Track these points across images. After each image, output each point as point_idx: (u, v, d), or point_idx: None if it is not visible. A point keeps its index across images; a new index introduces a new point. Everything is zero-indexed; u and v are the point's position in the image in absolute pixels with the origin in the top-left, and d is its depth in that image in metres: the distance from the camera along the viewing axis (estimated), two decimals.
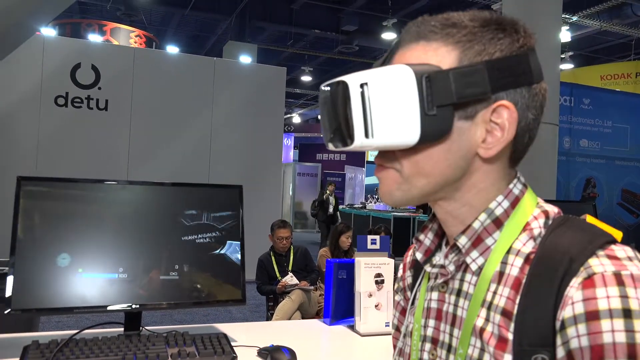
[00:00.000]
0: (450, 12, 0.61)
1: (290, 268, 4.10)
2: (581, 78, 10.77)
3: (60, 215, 1.37)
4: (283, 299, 3.88)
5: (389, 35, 11.95)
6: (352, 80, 0.55)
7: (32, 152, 6.01)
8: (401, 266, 0.81)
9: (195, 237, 1.50)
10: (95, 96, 6.30)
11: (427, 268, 0.67)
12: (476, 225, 0.60)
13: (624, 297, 0.48)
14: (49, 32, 9.15)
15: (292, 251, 4.18)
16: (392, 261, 1.67)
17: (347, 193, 16.41)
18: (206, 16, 12.17)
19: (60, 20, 10.94)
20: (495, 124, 0.57)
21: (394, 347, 0.80)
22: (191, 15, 11.94)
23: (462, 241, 0.61)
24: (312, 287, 4.04)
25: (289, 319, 3.79)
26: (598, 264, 0.51)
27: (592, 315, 0.49)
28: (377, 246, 1.68)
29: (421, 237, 0.69)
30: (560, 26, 5.65)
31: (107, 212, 1.42)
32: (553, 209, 0.61)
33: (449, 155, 0.58)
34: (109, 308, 1.36)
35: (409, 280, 0.77)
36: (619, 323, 0.48)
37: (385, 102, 0.54)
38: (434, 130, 0.55)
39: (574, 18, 10.25)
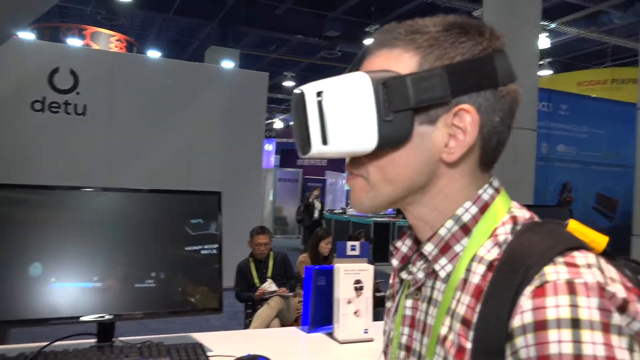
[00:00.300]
0: (417, 19, 0.61)
1: (269, 274, 4.08)
2: (559, 84, 10.96)
3: (33, 223, 1.34)
4: (261, 306, 3.85)
5: (372, 41, 12.01)
6: (309, 89, 0.56)
7: (7, 158, 5.89)
8: (392, 273, 0.81)
9: (173, 244, 1.48)
10: (73, 101, 6.21)
11: (403, 275, 0.67)
12: (442, 232, 0.60)
13: (574, 306, 0.46)
14: (27, 35, 9.02)
15: (271, 257, 4.16)
16: (371, 267, 1.67)
17: (327, 198, 16.40)
18: (188, 21, 12.10)
19: (39, 24, 10.78)
20: (457, 127, 0.57)
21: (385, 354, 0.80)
22: (173, 19, 11.86)
23: (428, 248, 0.61)
24: (290, 294, 4.02)
25: (267, 326, 3.77)
26: (553, 271, 0.49)
27: (540, 325, 0.47)
28: (357, 252, 1.68)
29: (398, 244, 0.69)
30: (539, 33, 5.74)
31: (82, 219, 1.39)
32: (524, 215, 0.59)
33: (412, 160, 0.58)
34: (81, 319, 1.33)
35: (397, 287, 0.76)
36: (567, 333, 0.46)
37: (342, 109, 0.55)
38: (393, 136, 0.55)
39: (553, 25, 10.42)
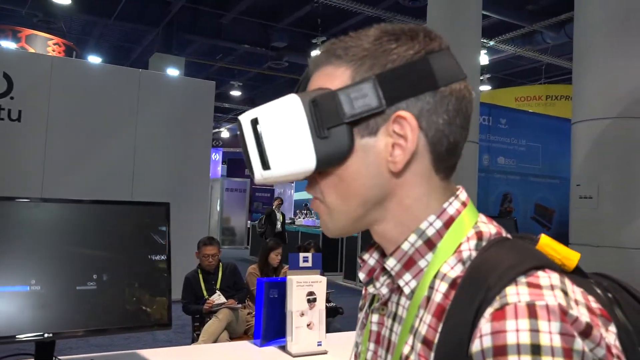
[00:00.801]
0: (352, 32, 0.60)
1: (218, 286, 3.99)
2: (498, 99, 11.44)
3: None
4: (210, 319, 3.75)
5: (318, 53, 12.10)
6: (244, 117, 0.57)
7: None
8: None
9: (118, 257, 1.41)
10: (7, 106, 5.88)
11: (370, 289, 0.65)
12: (405, 246, 0.58)
13: (534, 331, 0.44)
14: None
15: (220, 269, 4.07)
16: (324, 279, 1.65)
17: None
18: (131, 26, 11.78)
19: None
20: (399, 135, 0.55)
21: None
22: (115, 25, 11.52)
23: (390, 263, 0.58)
24: (239, 305, 3.94)
25: (216, 339, 3.68)
26: (514, 292, 0.46)
27: (499, 351, 0.44)
28: (310, 264, 1.66)
29: (365, 256, 0.66)
30: (479, 50, 5.97)
31: (17, 232, 1.30)
32: (490, 229, 0.57)
33: (360, 174, 0.56)
34: (18, 337, 1.24)
35: (369, 298, 0.73)
36: None
37: (277, 133, 0.55)
38: (332, 152, 0.55)
39: (491, 43, 10.89)
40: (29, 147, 5.98)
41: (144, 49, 13.33)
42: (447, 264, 0.55)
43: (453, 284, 0.53)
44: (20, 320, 1.25)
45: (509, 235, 0.58)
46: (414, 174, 0.57)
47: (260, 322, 1.67)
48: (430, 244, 0.57)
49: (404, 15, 9.96)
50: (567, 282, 0.49)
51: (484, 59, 11.22)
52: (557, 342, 0.43)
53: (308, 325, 1.61)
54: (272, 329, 1.67)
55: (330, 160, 0.55)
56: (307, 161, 0.55)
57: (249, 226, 14.08)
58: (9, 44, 10.05)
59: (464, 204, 0.59)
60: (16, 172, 5.84)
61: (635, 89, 4.57)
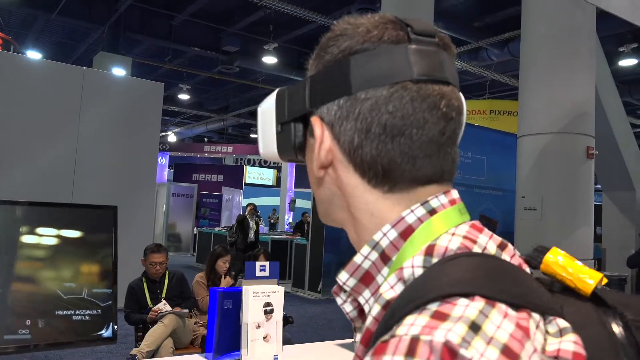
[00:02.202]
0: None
1: (164, 295, 3.83)
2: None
3: None
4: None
5: (270, 59, 12.05)
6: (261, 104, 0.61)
7: None
8: None
9: (57, 264, 1.29)
10: None
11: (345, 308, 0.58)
12: (357, 259, 0.52)
13: None
14: None
15: (167, 277, 3.91)
16: (282, 289, 1.59)
17: (224, 215, 16.05)
18: (75, 23, 11.31)
19: None
20: (318, 139, 0.54)
21: None
22: (57, 20, 11.02)
23: (342, 277, 0.53)
24: (186, 311, 3.80)
25: (160, 345, 3.52)
26: (409, 323, 0.39)
27: None
28: (267, 273, 1.59)
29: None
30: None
31: None
32: (451, 244, 0.47)
33: (310, 172, 0.58)
34: None
35: None
36: None
37: (262, 119, 0.61)
38: (284, 146, 0.58)
39: None
40: None
41: (88, 47, 12.83)
42: (387, 283, 0.47)
43: (386, 305, 0.46)
44: None
45: (490, 252, 0.48)
46: (348, 183, 0.53)
47: (213, 334, 1.59)
48: (385, 258, 0.50)
49: None
50: (496, 315, 0.39)
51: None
52: None
53: (264, 337, 1.53)
54: (226, 341, 1.59)
55: (285, 153, 0.58)
56: (272, 148, 0.60)
57: (195, 232, 13.74)
58: None
59: (432, 212, 0.50)
60: None
61: (577, 105, 4.79)
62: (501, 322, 0.39)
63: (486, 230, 0.51)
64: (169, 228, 14.61)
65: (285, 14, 9.91)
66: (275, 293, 1.57)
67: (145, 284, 3.82)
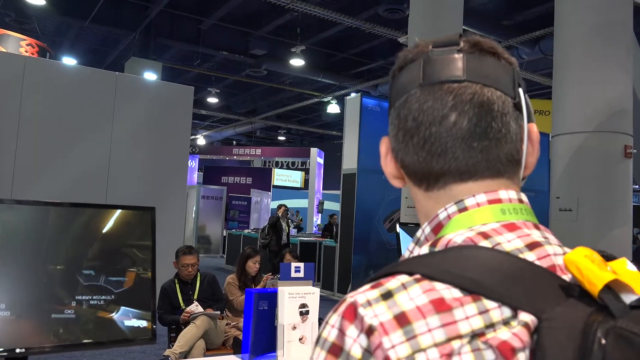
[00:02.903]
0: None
1: (196, 297, 3.87)
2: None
3: None
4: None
5: (297, 62, 12.09)
6: None
7: None
8: None
9: (97, 265, 1.31)
10: None
11: None
12: (405, 254, 0.57)
13: (326, 322, 0.48)
14: None
15: (198, 279, 3.94)
16: (317, 290, 1.58)
17: (252, 217, 16.17)
18: (107, 30, 11.56)
19: None
20: None
21: None
22: (90, 27, 11.29)
23: None
24: (218, 312, 3.83)
25: (192, 347, 3.56)
26: (359, 290, 0.48)
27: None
28: (302, 274, 1.59)
29: None
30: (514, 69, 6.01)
31: None
32: (454, 238, 0.51)
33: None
34: None
35: None
36: (314, 350, 0.48)
37: None
38: None
39: None
40: None
41: (119, 53, 13.11)
42: None
43: None
44: None
45: (505, 248, 0.49)
46: (411, 188, 0.60)
47: (249, 336, 1.59)
48: None
49: (384, 26, 10.02)
50: (415, 290, 0.46)
51: (511, 80, 11.35)
52: (331, 335, 0.46)
53: (300, 339, 1.53)
54: (262, 342, 1.59)
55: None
56: None
57: (225, 234, 13.86)
58: None
59: (462, 210, 0.54)
60: None
61: (613, 102, 4.65)
62: (417, 295, 0.45)
63: (524, 230, 0.52)
64: (199, 230, 14.79)
65: (312, 17, 9.93)
66: (311, 294, 1.57)
67: (177, 286, 3.86)
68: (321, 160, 17.95)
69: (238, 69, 13.83)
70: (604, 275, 0.44)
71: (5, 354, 1.14)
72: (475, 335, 0.43)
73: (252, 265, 4.36)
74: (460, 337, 0.43)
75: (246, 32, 12.05)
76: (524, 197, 0.57)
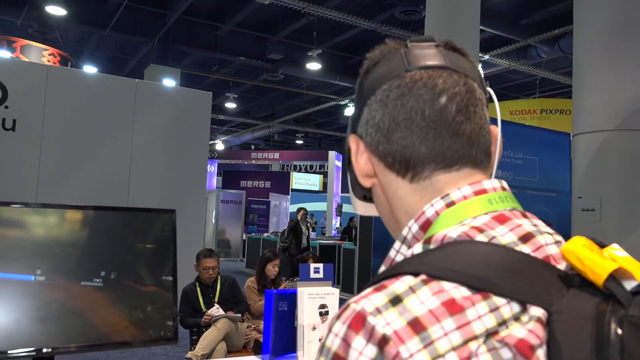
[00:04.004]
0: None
1: (216, 299, 3.90)
2: (492, 113, 11.46)
3: None
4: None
5: (314, 66, 12.13)
6: None
7: None
8: None
9: (120, 266, 1.34)
10: (1, 115, 5.79)
11: None
12: (391, 253, 0.56)
13: (329, 332, 0.45)
14: None
15: (219, 282, 3.98)
16: (336, 291, 1.59)
17: (271, 220, 16.23)
18: (127, 38, 11.75)
19: None
20: None
21: None
22: (110, 36, 11.48)
23: (380, 270, 0.55)
24: (239, 315, 3.85)
25: (214, 349, 3.59)
26: (362, 294, 0.46)
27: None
28: (321, 275, 1.60)
29: None
30: (477, 62, 5.97)
31: (12, 242, 1.23)
32: (448, 234, 0.49)
33: (376, 201, 0.65)
34: (13, 352, 1.16)
35: None
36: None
37: None
38: (352, 180, 0.66)
39: (486, 57, 10.94)
40: (23, 157, 5.89)
41: (139, 60, 13.31)
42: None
43: None
44: (18, 333, 1.17)
45: (500, 241, 0.48)
46: (385, 181, 0.58)
47: (270, 336, 1.60)
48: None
49: (401, 28, 9.99)
50: (427, 292, 0.43)
51: (480, 75, 11.27)
52: (334, 345, 0.44)
53: (320, 339, 1.53)
54: (282, 343, 1.60)
55: (354, 186, 0.66)
56: (351, 190, 0.68)
57: (244, 238, 13.94)
58: (4, 54, 9.98)
59: (450, 204, 0.53)
60: (10, 181, 5.75)
61: (635, 100, 4.57)
62: (428, 298, 0.43)
63: (514, 221, 0.51)
64: (219, 234, 14.90)
65: (328, 20, 9.95)
66: (330, 295, 1.57)
67: (198, 289, 3.90)
68: (339, 163, 17.95)
69: (255, 73, 13.92)
70: (606, 264, 0.43)
71: (34, 353, 1.17)
72: (489, 334, 0.42)
73: (272, 269, 4.38)
74: (475, 337, 0.41)
75: (263, 37, 12.13)
76: (505, 184, 0.56)
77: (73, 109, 6.21)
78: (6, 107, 5.85)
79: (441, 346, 0.41)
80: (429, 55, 0.57)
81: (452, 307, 0.42)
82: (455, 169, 0.55)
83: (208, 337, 3.61)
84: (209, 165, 16.86)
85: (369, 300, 0.44)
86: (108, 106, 6.44)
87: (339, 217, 17.47)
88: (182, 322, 3.79)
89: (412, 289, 0.44)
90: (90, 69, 12.65)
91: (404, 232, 0.55)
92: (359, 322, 0.43)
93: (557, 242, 0.50)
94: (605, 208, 4.48)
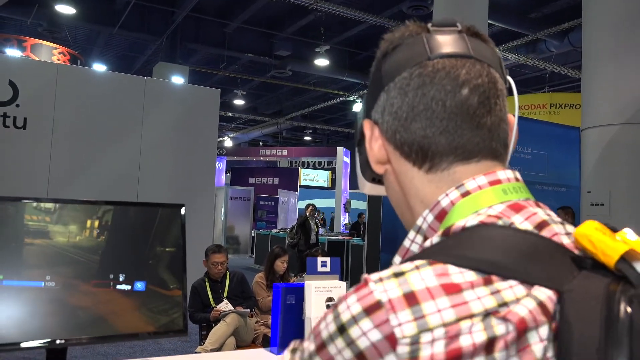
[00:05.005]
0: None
1: (225, 295, 3.93)
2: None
3: None
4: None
5: (322, 62, 12.12)
6: None
7: None
8: None
9: (132, 259, 1.36)
10: (12, 114, 5.85)
11: None
12: (406, 242, 0.56)
13: (344, 300, 0.47)
14: None
15: (227, 277, 4.01)
16: (343, 284, 1.60)
17: (280, 217, 16.28)
18: (135, 36, 11.82)
19: None
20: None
21: None
22: (119, 34, 11.55)
23: (396, 260, 0.56)
24: (247, 310, 3.88)
25: (223, 344, 3.62)
26: (366, 276, 0.48)
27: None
28: (328, 269, 1.61)
29: None
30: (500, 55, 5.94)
31: (31, 233, 1.25)
32: (466, 224, 0.50)
33: (387, 191, 0.65)
34: (28, 344, 1.18)
35: None
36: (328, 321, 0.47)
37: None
38: (362, 165, 0.67)
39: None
40: (34, 155, 5.95)
41: (147, 58, 13.38)
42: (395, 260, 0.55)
43: None
44: (32, 326, 1.19)
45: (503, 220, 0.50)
46: (400, 170, 0.58)
47: (277, 329, 1.62)
48: (427, 240, 0.54)
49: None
50: (429, 272, 0.45)
51: (502, 65, 11.21)
52: (344, 316, 0.45)
53: None
54: (290, 336, 1.62)
55: (364, 170, 0.66)
56: (359, 173, 0.68)
57: (253, 234, 14.00)
58: (15, 53, 10.08)
59: (465, 194, 0.53)
60: (21, 179, 5.81)
61: None
62: (429, 277, 0.44)
63: (529, 209, 0.52)
64: (228, 231, 14.96)
65: (335, 16, 9.95)
66: (337, 288, 1.59)
67: (207, 284, 3.93)
68: (347, 160, 17.95)
69: (263, 70, 13.95)
70: (618, 246, 0.44)
71: (46, 344, 1.20)
72: (489, 313, 0.42)
73: (280, 265, 4.40)
74: (471, 316, 0.42)
75: (270, 33, 12.15)
76: (518, 175, 0.57)
77: (83, 107, 6.26)
78: (17, 105, 5.91)
79: (431, 321, 0.42)
80: (452, 43, 0.56)
81: (450, 288, 0.43)
82: (474, 161, 0.55)
83: (217, 332, 3.64)
84: (217, 162, 16.94)
85: (378, 273, 0.46)
86: (117, 104, 6.49)
87: (347, 213, 17.47)
88: (191, 317, 3.83)
89: (417, 267, 0.45)
90: (99, 67, 12.74)
91: (419, 222, 0.55)
92: (361, 286, 0.46)
93: (567, 234, 0.51)
94: (615, 202, 4.46)
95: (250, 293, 4.15)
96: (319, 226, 9.90)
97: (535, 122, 8.86)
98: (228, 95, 16.22)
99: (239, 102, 16.78)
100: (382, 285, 0.45)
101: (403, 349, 0.42)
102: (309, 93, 16.46)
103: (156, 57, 12.54)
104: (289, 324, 1.62)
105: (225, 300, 3.84)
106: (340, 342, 0.45)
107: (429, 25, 0.58)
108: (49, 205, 1.32)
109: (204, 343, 3.69)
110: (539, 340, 0.42)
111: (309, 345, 0.49)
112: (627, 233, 0.47)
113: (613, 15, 4.67)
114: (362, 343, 0.43)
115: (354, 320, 0.44)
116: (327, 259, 1.63)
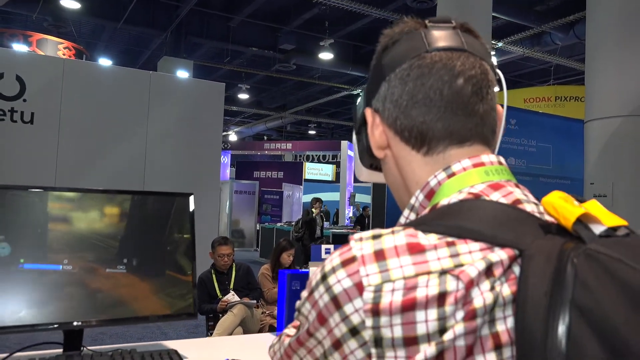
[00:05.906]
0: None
1: (232, 286, 3.99)
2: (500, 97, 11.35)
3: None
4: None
5: (326, 55, 12.13)
6: None
7: None
8: None
9: (142, 252, 1.41)
10: (19, 108, 5.91)
11: None
12: (401, 220, 0.62)
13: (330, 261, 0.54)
14: None
15: (234, 269, 4.07)
16: None
17: (285, 210, 16.33)
18: (140, 30, 11.85)
19: None
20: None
21: None
22: (124, 28, 11.59)
23: None
24: (254, 301, 3.94)
25: (230, 334, 3.68)
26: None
27: None
28: None
29: None
30: (491, 50, 5.95)
31: (45, 221, 1.30)
32: (450, 200, 0.56)
33: (385, 175, 0.71)
34: (46, 326, 1.24)
35: None
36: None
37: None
38: (361, 152, 0.72)
39: (500, 44, 10.86)
40: (41, 149, 6.01)
41: (152, 52, 13.41)
42: None
43: None
44: (49, 308, 1.24)
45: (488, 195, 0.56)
46: (399, 154, 0.63)
47: (283, 315, 1.67)
48: None
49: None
50: (402, 235, 0.52)
51: (492, 60, 11.19)
52: (326, 267, 0.53)
53: None
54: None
55: (363, 156, 0.71)
56: (357, 159, 0.74)
57: (258, 228, 14.06)
58: (21, 48, 10.14)
59: (451, 175, 0.59)
60: (29, 173, 5.88)
61: None
62: (399, 238, 0.51)
63: (507, 189, 0.57)
64: (233, 224, 15.03)
65: (340, 10, 9.94)
66: None
67: (214, 276, 3.99)
68: (352, 153, 17.93)
69: (267, 64, 13.96)
70: (575, 210, 0.50)
71: (56, 326, 1.25)
72: (445, 271, 0.48)
73: (286, 258, 4.46)
74: (429, 273, 0.48)
75: (274, 27, 12.15)
76: (502, 159, 0.62)
77: (89, 102, 6.31)
78: (24, 100, 5.97)
79: (394, 274, 0.49)
80: (447, 37, 0.61)
81: (414, 248, 0.50)
82: (467, 145, 0.60)
83: (225, 323, 3.70)
84: (222, 156, 16.98)
85: (360, 234, 0.54)
86: (123, 98, 6.54)
87: (352, 207, 17.51)
88: (199, 308, 3.89)
89: (393, 232, 0.53)
90: (104, 61, 12.78)
91: (412, 200, 0.61)
92: (345, 245, 0.54)
93: (541, 213, 0.56)
94: (618, 194, 4.48)
95: (256, 284, 4.20)
96: (324, 220, 9.92)
97: (539, 114, 8.85)
98: (232, 89, 16.25)
99: (243, 96, 16.81)
100: (360, 244, 0.52)
101: (368, 295, 0.49)
102: (313, 87, 16.46)
103: (161, 52, 12.58)
104: (294, 310, 1.67)
105: (232, 292, 3.90)
106: (321, 288, 0.53)
107: (426, 21, 0.64)
108: (70, 194, 1.37)
109: (211, 334, 3.76)
110: (479, 294, 0.48)
111: (303, 292, 0.58)
112: (597, 204, 0.53)
113: (617, 7, 4.67)
114: (336, 288, 0.51)
115: (333, 270, 0.52)
116: (331, 246, 1.67)
